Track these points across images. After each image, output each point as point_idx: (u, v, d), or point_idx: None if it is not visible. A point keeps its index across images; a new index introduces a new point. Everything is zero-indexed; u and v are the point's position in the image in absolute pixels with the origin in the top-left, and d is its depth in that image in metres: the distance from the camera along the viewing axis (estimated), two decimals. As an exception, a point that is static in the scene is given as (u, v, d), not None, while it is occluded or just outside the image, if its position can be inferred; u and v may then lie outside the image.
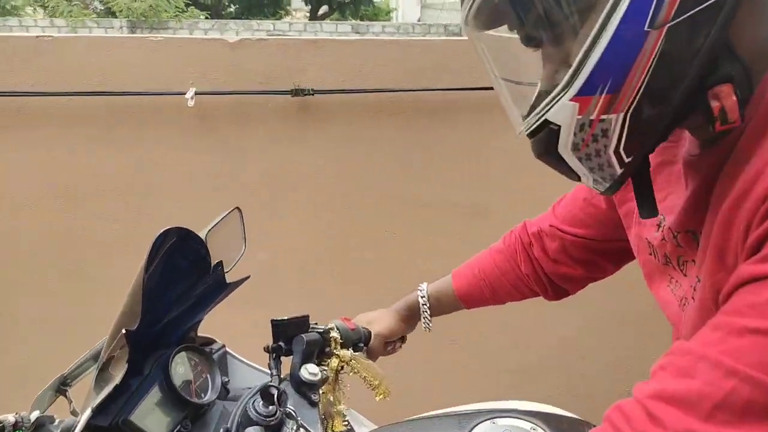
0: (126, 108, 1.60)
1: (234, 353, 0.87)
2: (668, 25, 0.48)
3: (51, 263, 1.66)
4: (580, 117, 0.52)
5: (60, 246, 1.65)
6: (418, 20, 16.04)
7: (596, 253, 0.88)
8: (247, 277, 0.75)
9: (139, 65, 1.56)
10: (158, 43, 1.55)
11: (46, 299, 1.66)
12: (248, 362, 0.88)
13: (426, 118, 1.64)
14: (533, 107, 0.56)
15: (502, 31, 0.58)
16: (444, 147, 1.68)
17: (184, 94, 1.56)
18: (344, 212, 1.73)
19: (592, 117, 0.52)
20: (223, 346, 0.86)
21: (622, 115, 0.51)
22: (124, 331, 0.62)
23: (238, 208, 0.82)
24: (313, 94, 1.60)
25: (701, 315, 0.56)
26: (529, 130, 0.56)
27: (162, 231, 0.65)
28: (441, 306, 1.00)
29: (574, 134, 0.53)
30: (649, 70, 0.49)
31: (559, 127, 0.53)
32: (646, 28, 0.48)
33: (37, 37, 1.54)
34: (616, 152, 0.53)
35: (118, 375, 0.63)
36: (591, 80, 0.50)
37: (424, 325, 1.00)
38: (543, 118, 0.54)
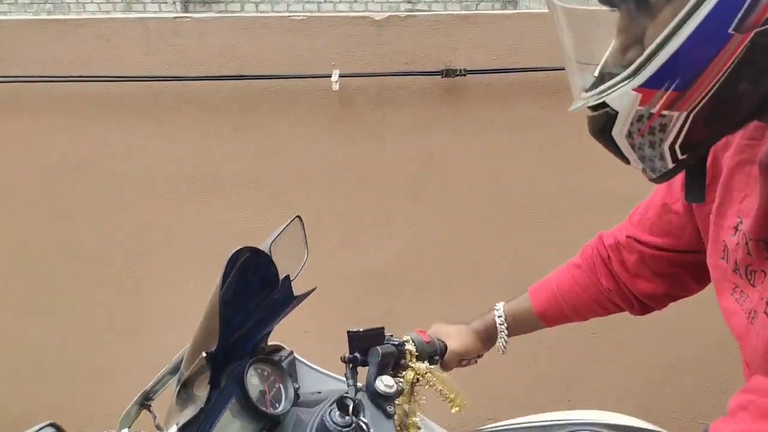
0: (265, 91, 1.51)
1: (301, 358, 0.88)
2: (756, 30, 0.45)
3: (186, 252, 1.61)
4: (640, 108, 0.51)
5: (196, 234, 1.60)
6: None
7: (677, 266, 0.81)
8: (314, 289, 0.73)
9: (280, 47, 1.46)
10: (301, 23, 1.44)
11: (183, 289, 1.63)
12: (316, 367, 0.89)
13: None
14: (595, 84, 0.54)
15: None
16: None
17: (329, 77, 1.45)
18: (493, 205, 1.59)
19: (653, 110, 0.50)
20: (291, 352, 0.86)
21: (684, 114, 0.50)
22: (204, 354, 0.63)
23: (298, 216, 0.80)
24: (465, 75, 1.46)
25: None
26: (583, 106, 0.55)
27: (234, 251, 0.66)
28: (519, 325, 0.96)
29: (631, 123, 0.52)
30: (723, 75, 0.47)
31: (617, 113, 0.52)
32: (730, 31, 0.45)
33: (174, 18, 1.46)
34: (671, 148, 0.52)
35: (201, 397, 0.65)
36: (660, 74, 0.49)
37: (501, 346, 0.96)
38: (602, 100, 0.52)
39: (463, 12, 1.44)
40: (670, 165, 0.54)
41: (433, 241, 1.63)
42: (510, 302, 0.97)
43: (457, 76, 1.46)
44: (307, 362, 0.88)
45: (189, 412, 0.64)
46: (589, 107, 0.55)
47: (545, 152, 1.54)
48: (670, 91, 0.49)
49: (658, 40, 0.48)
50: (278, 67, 1.47)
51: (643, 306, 0.88)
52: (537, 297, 0.95)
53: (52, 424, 0.68)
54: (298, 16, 1.43)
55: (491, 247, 1.63)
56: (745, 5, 0.45)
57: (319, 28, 1.44)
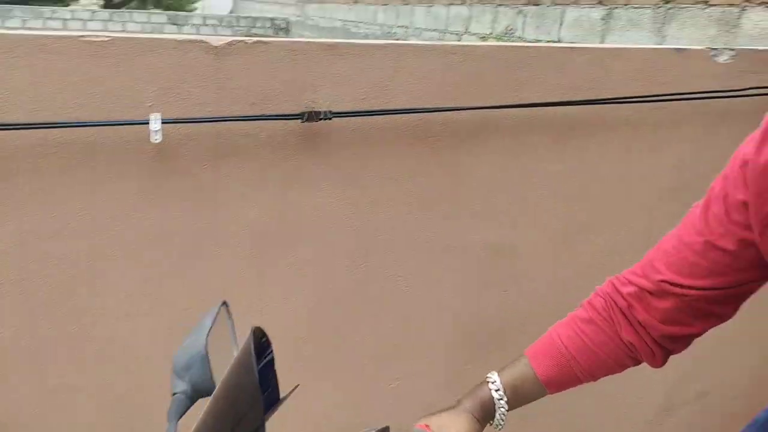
0: (45, 146, 1.00)
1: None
2: None
3: None
4: None
5: None
6: (231, 11, 15.11)
7: (720, 302, 0.75)
8: (297, 386, 0.62)
9: (71, 81, 0.98)
10: (103, 47, 0.97)
11: None
12: None
13: (457, 141, 1.30)
14: None
15: None
16: (474, 177, 1.36)
17: (146, 123, 1.02)
18: (357, 268, 1.32)
19: None
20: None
21: None
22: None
23: (225, 302, 0.70)
24: (331, 119, 1.17)
25: None
26: None
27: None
28: (519, 397, 0.86)
29: None
30: None
31: None
32: None
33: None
34: None
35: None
36: None
37: (498, 422, 0.85)
38: None
39: (325, 40, 1.15)
40: None
41: (282, 325, 1.29)
42: (504, 371, 0.86)
43: (321, 119, 1.16)
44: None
45: None
46: None
47: (419, 205, 1.33)
48: None
49: None
50: (67, 109, 0.99)
51: (666, 353, 0.81)
52: (540, 361, 0.85)
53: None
54: (99, 36, 0.97)
55: (353, 318, 1.36)
56: None
57: (130, 56, 1.00)
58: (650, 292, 0.77)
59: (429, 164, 1.29)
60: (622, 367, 0.84)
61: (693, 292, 0.74)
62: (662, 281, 0.76)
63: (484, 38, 4.46)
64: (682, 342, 0.80)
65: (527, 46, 1.23)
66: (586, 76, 1.29)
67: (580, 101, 1.29)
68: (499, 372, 0.86)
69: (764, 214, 0.68)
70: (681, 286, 0.75)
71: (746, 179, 0.69)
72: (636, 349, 0.80)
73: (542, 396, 0.86)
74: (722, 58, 1.39)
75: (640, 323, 0.79)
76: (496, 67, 1.22)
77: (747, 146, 0.71)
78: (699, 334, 0.79)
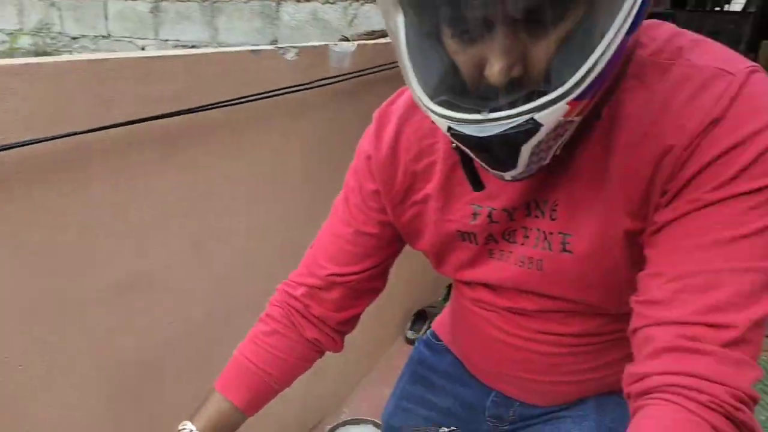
0: None
1: None
2: (633, 33, 0.51)
3: None
4: (562, 119, 0.52)
5: None
6: None
7: (375, 278, 0.87)
8: None
9: None
10: None
11: None
12: None
13: (41, 176, 1.07)
14: (512, 103, 0.52)
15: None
16: (77, 219, 1.15)
17: None
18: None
19: (569, 119, 0.53)
20: None
21: (581, 117, 0.55)
22: None
23: None
24: None
25: (604, 257, 0.66)
26: (499, 129, 0.52)
27: None
28: None
29: (546, 133, 0.53)
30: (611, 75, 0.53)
31: (540, 126, 0.52)
32: (626, 35, 0.50)
33: None
34: (557, 148, 0.58)
35: None
36: (593, 86, 0.50)
37: None
38: (529, 116, 0.51)
39: None
40: (545, 163, 0.59)
41: None
42: (198, 415, 0.80)
43: None
44: None
45: None
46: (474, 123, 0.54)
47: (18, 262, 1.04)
48: (585, 101, 0.52)
49: (593, 57, 0.49)
50: None
51: (343, 336, 0.90)
52: (235, 390, 0.82)
53: None
54: None
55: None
56: (638, 9, 0.50)
57: None
58: (320, 288, 0.84)
59: (10, 212, 1.02)
60: (311, 363, 0.89)
61: (355, 277, 0.83)
62: (328, 275, 0.83)
63: (13, 35, 3.77)
64: (352, 323, 0.90)
65: (105, 59, 1.07)
66: (175, 86, 1.22)
67: (171, 113, 1.21)
68: (191, 418, 0.80)
69: (393, 196, 0.79)
70: (344, 275, 0.83)
71: (372, 171, 0.79)
72: (321, 343, 0.86)
73: (244, 421, 0.84)
74: (290, 56, 1.52)
75: (318, 318, 0.85)
76: (76, 86, 1.03)
77: (367, 142, 0.81)
78: (362, 311, 0.89)
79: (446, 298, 2.47)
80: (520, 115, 0.52)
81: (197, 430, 0.78)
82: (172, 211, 1.28)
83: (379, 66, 1.85)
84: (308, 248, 0.89)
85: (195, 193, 1.33)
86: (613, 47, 0.50)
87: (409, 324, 2.31)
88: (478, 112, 0.53)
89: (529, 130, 0.52)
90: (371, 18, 2.64)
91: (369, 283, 0.86)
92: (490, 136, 0.53)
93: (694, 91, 0.57)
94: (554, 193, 0.68)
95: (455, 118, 0.54)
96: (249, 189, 1.50)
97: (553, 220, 0.69)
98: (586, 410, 0.82)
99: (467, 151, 0.60)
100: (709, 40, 0.63)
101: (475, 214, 0.74)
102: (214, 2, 3.00)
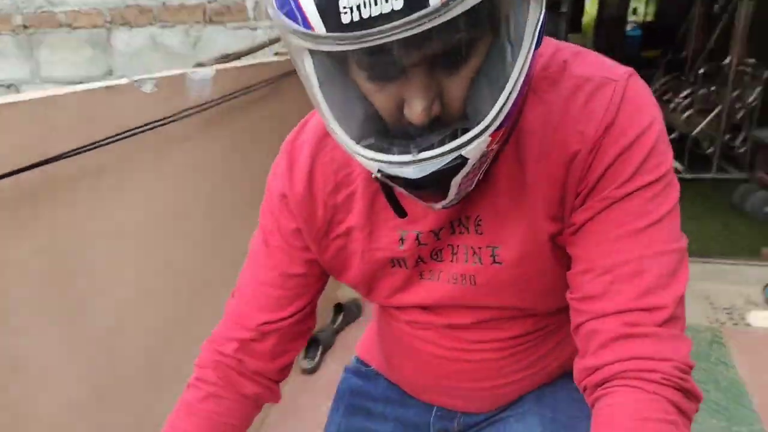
0: None
1: None
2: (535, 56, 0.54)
3: None
4: (486, 149, 0.54)
5: None
6: None
7: (308, 316, 0.85)
8: None
9: None
10: None
11: None
12: None
13: None
14: (442, 137, 0.54)
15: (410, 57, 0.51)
16: None
17: None
18: None
19: (491, 148, 0.55)
20: None
21: (501, 143, 0.57)
22: None
23: None
24: None
25: (532, 262, 0.69)
26: (433, 168, 0.53)
27: None
28: None
29: (472, 165, 0.55)
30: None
31: (467, 160, 0.54)
32: (532, 60, 0.53)
33: None
34: (481, 174, 0.60)
35: None
36: (510, 113, 0.53)
37: None
38: (459, 155, 0.53)
39: None
40: (469, 190, 0.61)
41: None
42: None
43: None
44: None
45: None
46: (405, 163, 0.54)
47: None
48: (504, 128, 0.54)
49: (507, 90, 0.52)
50: None
51: (279, 384, 0.85)
52: None
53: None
54: None
55: None
56: (538, 36, 0.52)
57: None
58: (252, 340, 0.78)
59: None
60: (251, 422, 0.82)
61: (287, 321, 0.79)
62: (260, 325, 0.78)
63: None
64: (288, 369, 0.85)
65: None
66: (21, 137, 1.06)
67: (21, 169, 1.05)
68: None
69: (315, 232, 0.75)
70: (276, 321, 0.78)
71: (291, 209, 0.75)
72: (261, 397, 0.81)
73: None
74: (147, 88, 1.39)
75: (255, 372, 0.79)
76: None
77: (278, 179, 0.76)
78: (297, 355, 0.84)
79: (334, 321, 2.44)
80: (449, 153, 0.53)
81: None
82: (36, 282, 1.11)
83: (247, 88, 1.77)
84: (229, 299, 0.82)
85: (61, 256, 1.16)
86: (524, 74, 0.52)
87: (302, 353, 2.24)
88: (407, 152, 0.54)
89: (458, 165, 0.54)
90: (217, 39, 2.53)
91: (302, 325, 0.82)
92: (425, 176, 0.54)
93: (585, 100, 0.63)
94: (476, 209, 0.70)
95: (386, 161, 0.55)
96: (127, 237, 1.35)
97: (479, 234, 0.71)
98: (526, 406, 0.85)
99: (392, 185, 0.59)
100: (586, 50, 0.68)
101: (402, 240, 0.73)
102: (31, 33, 2.68)
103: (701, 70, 4.88)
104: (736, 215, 3.70)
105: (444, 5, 0.45)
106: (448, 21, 0.46)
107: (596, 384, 0.61)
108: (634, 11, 12.56)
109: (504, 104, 0.52)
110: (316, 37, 0.48)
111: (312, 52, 0.53)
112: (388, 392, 0.96)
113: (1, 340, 1.03)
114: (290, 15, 0.50)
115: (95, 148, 1.21)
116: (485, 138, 0.53)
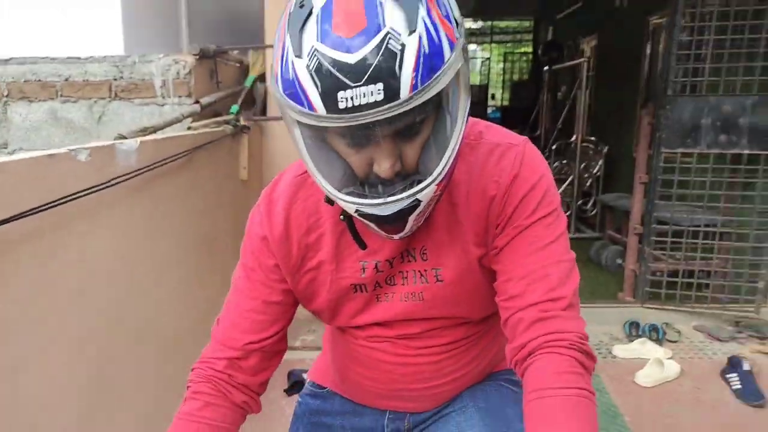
0: None
1: None
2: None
3: None
4: (433, 195, 0.75)
5: None
6: None
7: (282, 339, 0.97)
8: None
9: None
10: None
11: None
12: None
13: None
14: (404, 186, 0.74)
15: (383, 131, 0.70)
16: None
17: None
18: None
19: (437, 193, 0.75)
20: None
21: (441, 190, 0.77)
22: None
23: None
24: None
25: (464, 282, 0.90)
26: (397, 207, 0.74)
27: None
28: None
29: (424, 206, 0.75)
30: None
31: (420, 202, 0.74)
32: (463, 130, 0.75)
33: None
34: (428, 213, 0.80)
35: None
36: (450, 169, 0.75)
37: None
38: (415, 199, 0.73)
39: None
40: (420, 224, 0.81)
41: None
42: None
43: None
44: None
45: None
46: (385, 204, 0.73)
47: None
48: (445, 179, 0.74)
49: (451, 150, 0.73)
50: None
51: (259, 396, 0.97)
52: None
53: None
54: None
55: None
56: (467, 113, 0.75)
57: None
58: (238, 358, 0.92)
59: None
60: (239, 428, 0.94)
61: (268, 341, 0.93)
62: (245, 345, 0.92)
63: None
64: (266, 384, 0.97)
65: None
66: None
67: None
68: None
69: (291, 267, 0.92)
70: (258, 341, 0.93)
71: (270, 249, 0.91)
72: (248, 406, 0.94)
73: None
74: (83, 157, 1.47)
75: (242, 385, 0.92)
76: None
77: (258, 226, 0.93)
78: (273, 373, 0.98)
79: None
80: (408, 198, 0.73)
81: None
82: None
83: (171, 158, 1.88)
84: (214, 326, 0.93)
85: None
86: (459, 142, 0.74)
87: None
88: (377, 197, 0.74)
89: (414, 205, 0.74)
90: (123, 114, 2.59)
91: (278, 345, 0.96)
92: (390, 214, 0.74)
93: (498, 159, 0.86)
94: (421, 241, 0.90)
95: (361, 203, 0.74)
96: (64, 294, 1.38)
97: (424, 260, 0.91)
98: (464, 401, 1.02)
99: (364, 221, 0.78)
100: (492, 124, 0.94)
101: (363, 269, 0.91)
102: None
103: (554, 147, 5.65)
104: (594, 267, 4.26)
105: (410, 98, 0.65)
106: (411, 108, 0.66)
107: (524, 357, 0.81)
108: (492, 96, 14.16)
109: (446, 163, 0.73)
110: (318, 117, 0.67)
111: (302, 124, 0.72)
112: (343, 406, 1.09)
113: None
114: (294, 97, 0.68)
115: (38, 212, 1.26)
116: (433, 186, 0.73)
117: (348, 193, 0.75)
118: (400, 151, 0.73)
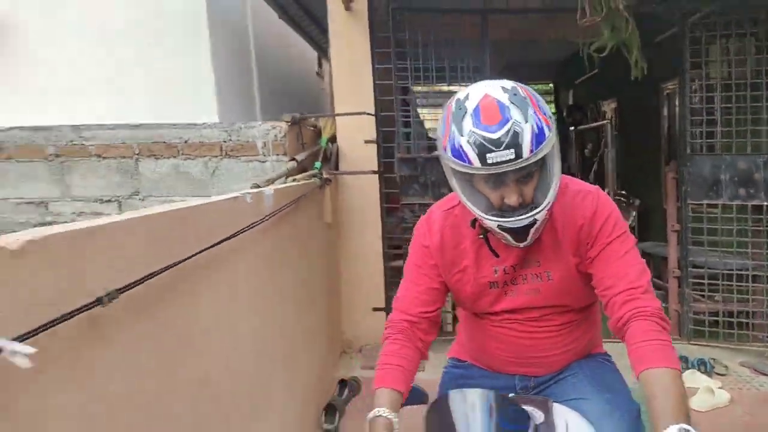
0: None
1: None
2: None
3: None
4: (543, 217, 1.22)
5: None
6: None
7: (438, 317, 1.42)
8: None
9: None
10: None
11: None
12: None
13: None
14: (526, 211, 1.20)
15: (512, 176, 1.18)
16: None
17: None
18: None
19: (546, 217, 1.23)
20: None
21: (548, 215, 1.25)
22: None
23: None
24: None
25: (567, 280, 1.33)
26: (522, 223, 1.20)
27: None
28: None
29: (540, 223, 1.22)
30: None
31: (537, 221, 1.21)
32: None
33: None
34: (542, 230, 1.27)
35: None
36: (552, 202, 1.22)
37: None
38: (533, 218, 1.20)
39: None
40: (537, 236, 1.26)
41: None
42: (378, 404, 1.21)
43: None
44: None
45: None
46: (517, 221, 1.20)
47: None
48: (550, 208, 1.22)
49: (551, 191, 1.20)
50: None
51: (427, 349, 1.39)
52: (400, 384, 1.26)
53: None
54: None
55: None
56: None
57: None
58: (416, 322, 1.37)
59: None
60: (419, 363, 1.35)
61: (432, 314, 1.38)
62: (419, 313, 1.37)
63: None
64: (430, 343, 1.39)
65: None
66: (177, 235, 1.40)
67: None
68: (376, 407, 1.20)
69: (445, 267, 1.38)
70: (427, 312, 1.38)
71: (431, 253, 1.38)
72: (423, 351, 1.36)
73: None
74: (248, 198, 1.98)
75: (419, 339, 1.36)
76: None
77: (422, 237, 1.41)
78: (435, 337, 1.40)
79: (341, 393, 2.88)
80: (529, 217, 1.19)
81: (388, 408, 1.19)
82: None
83: (291, 202, 2.39)
84: (394, 302, 1.41)
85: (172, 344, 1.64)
86: (558, 184, 1.21)
87: (322, 417, 2.66)
88: (510, 217, 1.20)
89: (533, 222, 1.20)
90: (232, 169, 3.15)
91: (436, 318, 1.40)
92: (519, 227, 1.21)
93: (581, 200, 1.31)
94: (536, 254, 1.34)
95: (501, 221, 1.21)
96: (225, 319, 1.84)
97: (538, 266, 1.34)
98: (574, 369, 1.43)
99: (502, 234, 1.24)
100: (573, 178, 1.38)
101: (495, 271, 1.36)
102: (63, 161, 3.15)
103: (586, 200, 6.05)
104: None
105: (528, 158, 1.12)
106: (530, 163, 1.14)
107: (623, 325, 1.21)
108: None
109: (550, 197, 1.19)
110: (476, 169, 1.15)
111: (460, 173, 1.20)
112: (482, 373, 1.52)
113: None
114: (456, 155, 1.16)
115: (224, 241, 1.75)
116: (544, 212, 1.19)
117: (491, 215, 1.23)
118: (521, 190, 1.20)
